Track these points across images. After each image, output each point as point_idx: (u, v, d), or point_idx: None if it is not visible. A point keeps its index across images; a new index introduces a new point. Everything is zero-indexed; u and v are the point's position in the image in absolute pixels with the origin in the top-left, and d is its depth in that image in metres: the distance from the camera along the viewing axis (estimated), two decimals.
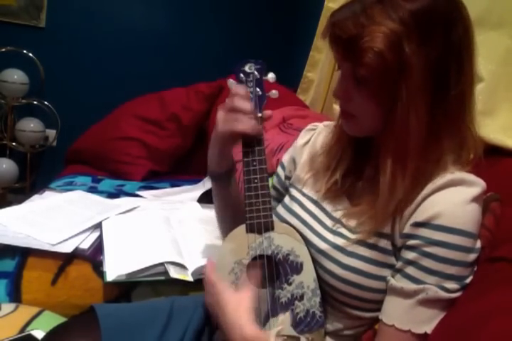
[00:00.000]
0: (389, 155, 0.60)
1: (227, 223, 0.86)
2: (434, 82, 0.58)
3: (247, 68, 0.75)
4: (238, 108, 0.68)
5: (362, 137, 0.68)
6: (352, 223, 0.66)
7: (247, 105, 0.69)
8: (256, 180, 0.71)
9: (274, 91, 0.75)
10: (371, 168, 0.68)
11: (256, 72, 0.75)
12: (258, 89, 0.74)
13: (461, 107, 0.61)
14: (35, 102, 2.32)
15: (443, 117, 0.60)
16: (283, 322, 0.67)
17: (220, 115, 0.70)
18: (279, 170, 0.87)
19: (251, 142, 0.72)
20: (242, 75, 0.75)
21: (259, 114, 0.73)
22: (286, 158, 0.87)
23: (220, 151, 0.74)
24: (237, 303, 0.62)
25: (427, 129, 0.59)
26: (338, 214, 0.69)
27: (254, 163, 0.71)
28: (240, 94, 0.70)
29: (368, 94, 0.60)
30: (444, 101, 0.59)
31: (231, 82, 0.76)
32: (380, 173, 0.61)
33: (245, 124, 0.68)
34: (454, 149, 0.62)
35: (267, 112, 0.73)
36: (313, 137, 0.82)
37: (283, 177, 0.86)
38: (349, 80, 0.62)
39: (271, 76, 0.75)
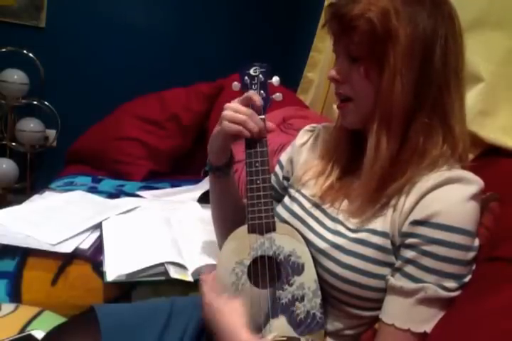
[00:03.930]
0: (375, 118, 0.63)
1: (222, 221, 0.87)
2: (421, 54, 0.61)
3: (252, 71, 0.76)
4: (249, 113, 0.71)
5: (358, 129, 0.70)
6: (350, 221, 0.66)
7: (259, 109, 0.72)
8: (258, 181, 0.71)
9: (278, 94, 0.76)
10: None
11: (261, 75, 0.75)
12: (262, 92, 0.75)
13: (446, 90, 0.63)
14: (35, 102, 2.32)
15: (428, 89, 0.62)
16: (278, 327, 0.67)
17: (228, 113, 0.71)
18: (277, 169, 0.88)
19: (254, 143, 0.73)
20: (246, 78, 0.76)
21: (263, 116, 0.73)
22: (284, 158, 0.87)
23: (221, 146, 0.76)
24: (230, 310, 0.65)
25: (412, 96, 0.62)
26: (336, 214, 0.69)
27: (257, 165, 0.72)
28: (254, 100, 0.72)
29: (361, 71, 0.64)
30: (429, 75, 0.62)
31: (235, 84, 0.76)
32: (368, 139, 0.64)
33: (253, 128, 0.71)
34: (442, 133, 0.63)
35: (271, 126, 0.75)
36: (312, 138, 0.83)
37: (281, 177, 0.86)
38: (344, 61, 0.67)
39: (275, 79, 0.76)
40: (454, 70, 0.64)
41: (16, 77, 2.19)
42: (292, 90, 2.11)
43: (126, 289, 1.03)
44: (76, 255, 1.06)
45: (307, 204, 0.74)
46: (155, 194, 1.69)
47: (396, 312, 0.60)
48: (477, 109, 0.90)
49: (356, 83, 0.65)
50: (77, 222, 1.18)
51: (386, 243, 0.63)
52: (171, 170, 2.10)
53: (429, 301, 0.58)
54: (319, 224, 0.70)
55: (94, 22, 2.41)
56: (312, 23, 1.99)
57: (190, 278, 1.01)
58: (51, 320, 0.87)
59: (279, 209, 0.78)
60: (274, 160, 1.30)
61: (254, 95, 0.72)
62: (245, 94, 0.73)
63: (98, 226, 1.18)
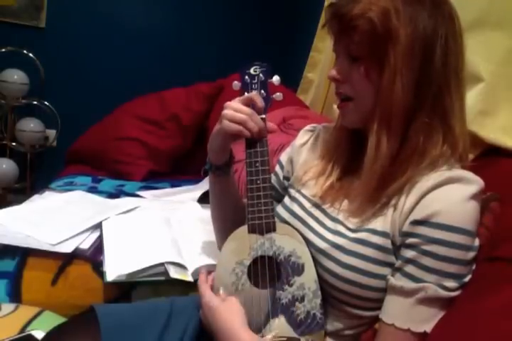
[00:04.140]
0: (375, 118, 0.64)
1: (222, 221, 0.87)
2: (421, 54, 0.61)
3: (252, 70, 0.76)
4: (249, 112, 0.71)
5: (359, 129, 0.70)
6: (350, 220, 0.66)
7: (260, 111, 0.72)
8: (258, 181, 0.71)
9: (278, 94, 0.76)
10: None
11: (261, 75, 0.75)
12: (263, 91, 0.75)
13: (447, 90, 0.64)
14: (35, 102, 2.32)
15: (428, 89, 0.63)
16: (278, 326, 0.67)
17: (229, 112, 0.71)
18: (277, 169, 0.88)
19: (255, 143, 0.73)
20: (247, 77, 0.76)
21: (264, 116, 0.73)
22: (284, 158, 0.87)
23: (221, 145, 0.76)
24: (228, 309, 0.65)
25: (412, 96, 0.62)
26: (337, 214, 0.69)
27: (257, 164, 0.72)
28: (256, 101, 0.72)
29: (361, 70, 0.64)
30: (429, 75, 0.62)
31: (236, 83, 0.76)
32: (368, 138, 0.65)
33: (253, 128, 0.71)
34: (442, 133, 0.63)
35: (272, 126, 0.75)
36: (312, 138, 0.83)
37: (281, 177, 0.86)
38: (344, 61, 0.67)
39: (276, 79, 0.76)
40: (454, 70, 0.64)
41: (16, 77, 2.19)
42: (292, 90, 2.11)
43: (126, 289, 1.03)
44: (76, 255, 1.06)
45: (307, 205, 0.74)
46: (155, 194, 1.69)
47: (396, 312, 0.60)
48: (477, 109, 0.90)
49: (356, 83, 0.66)
50: (77, 222, 1.18)
51: (386, 243, 0.63)
52: (171, 170, 2.10)
53: (429, 301, 0.58)
54: (319, 224, 0.70)
55: (94, 22, 2.41)
56: (312, 23, 1.99)
57: (190, 278, 1.01)
58: (51, 320, 0.87)
59: (280, 209, 0.78)
60: (274, 160, 1.30)
61: (256, 96, 0.72)
62: (247, 95, 0.73)
63: (98, 226, 1.18)
